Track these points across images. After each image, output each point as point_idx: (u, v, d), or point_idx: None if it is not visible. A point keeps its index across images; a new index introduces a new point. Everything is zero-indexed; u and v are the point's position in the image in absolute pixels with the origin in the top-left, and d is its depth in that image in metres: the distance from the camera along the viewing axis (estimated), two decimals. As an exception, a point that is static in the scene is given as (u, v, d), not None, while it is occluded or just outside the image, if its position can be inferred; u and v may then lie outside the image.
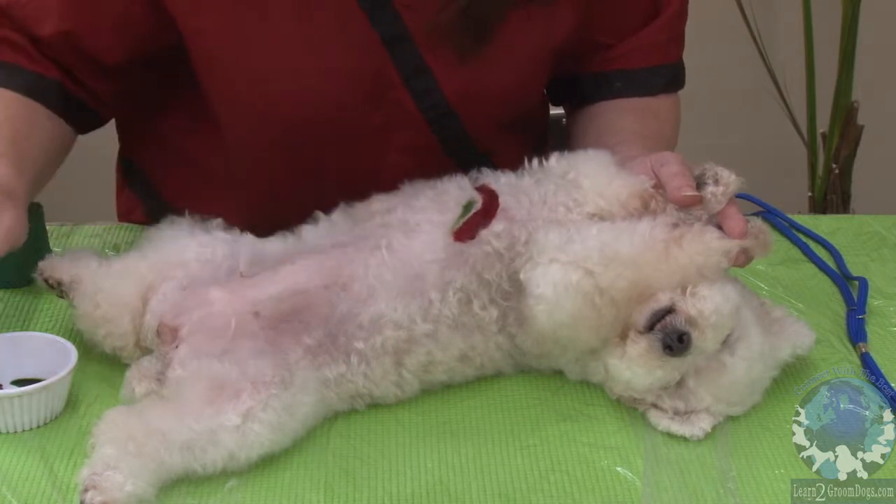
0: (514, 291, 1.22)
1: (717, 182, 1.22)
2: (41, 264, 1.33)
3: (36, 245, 1.41)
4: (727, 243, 1.19)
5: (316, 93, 1.21)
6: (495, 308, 1.22)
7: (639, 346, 1.17)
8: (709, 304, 1.16)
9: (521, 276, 1.20)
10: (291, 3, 1.33)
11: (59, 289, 1.32)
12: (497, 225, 1.22)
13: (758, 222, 1.23)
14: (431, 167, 1.30)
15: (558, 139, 1.63)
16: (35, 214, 1.43)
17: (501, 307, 1.23)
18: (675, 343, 1.15)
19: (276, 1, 1.33)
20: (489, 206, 1.21)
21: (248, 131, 1.27)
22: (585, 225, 1.21)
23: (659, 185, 1.24)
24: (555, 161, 1.29)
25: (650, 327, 1.17)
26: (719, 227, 1.21)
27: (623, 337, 1.19)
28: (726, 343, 1.19)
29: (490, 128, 1.48)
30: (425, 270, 1.22)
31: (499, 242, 1.22)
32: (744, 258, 1.21)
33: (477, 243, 1.21)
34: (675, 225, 1.20)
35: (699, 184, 1.23)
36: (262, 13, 1.33)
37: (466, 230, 1.20)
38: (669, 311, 1.17)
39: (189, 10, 1.33)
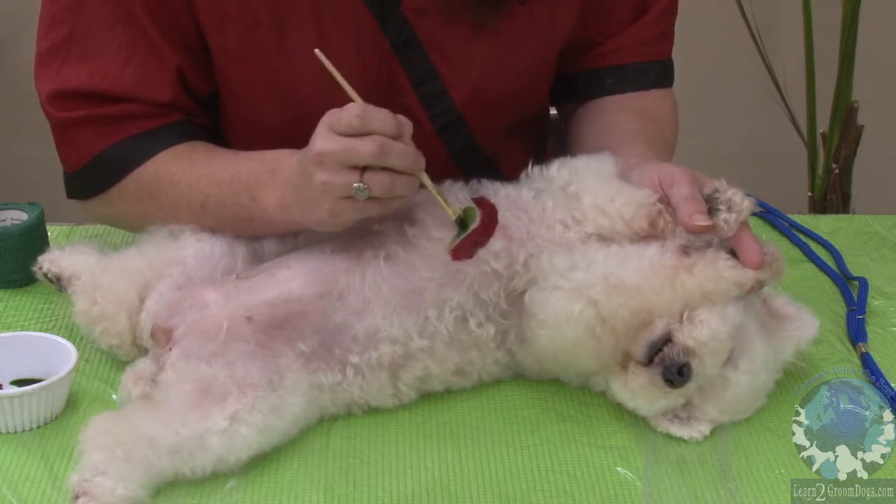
0: (513, 310, 1.22)
1: (729, 209, 1.18)
2: (40, 258, 1.33)
3: (36, 245, 1.41)
4: (741, 274, 1.17)
5: (333, 105, 1.22)
6: (492, 326, 1.22)
7: (640, 379, 1.16)
8: (706, 330, 1.15)
9: (526, 297, 1.20)
10: (308, 18, 1.33)
11: (57, 283, 1.32)
12: (496, 244, 1.20)
13: (771, 247, 1.21)
14: (440, 177, 1.30)
15: (558, 139, 1.63)
16: (35, 214, 1.43)
17: (500, 325, 1.22)
18: (676, 377, 1.14)
19: (293, 17, 1.33)
20: (488, 224, 1.20)
21: (269, 148, 1.28)
22: (592, 249, 1.20)
23: (665, 201, 1.21)
24: (556, 170, 1.27)
25: (649, 359, 1.16)
26: (731, 251, 1.19)
27: (624, 366, 1.18)
28: (729, 359, 1.18)
29: (497, 132, 1.48)
30: (422, 287, 1.21)
31: (497, 262, 1.21)
32: (758, 287, 1.19)
33: (475, 262, 1.20)
34: (686, 249, 1.18)
35: (711, 209, 1.19)
36: (280, 30, 1.33)
37: (464, 249, 1.18)
38: (667, 340, 1.15)
39: (215, 27, 1.34)
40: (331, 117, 1.16)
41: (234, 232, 1.29)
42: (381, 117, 1.15)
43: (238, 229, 1.29)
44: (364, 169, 1.15)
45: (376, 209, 1.18)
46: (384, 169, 1.15)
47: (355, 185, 1.15)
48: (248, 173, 1.28)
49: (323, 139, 1.16)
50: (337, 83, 1.18)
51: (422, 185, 1.19)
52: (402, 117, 1.17)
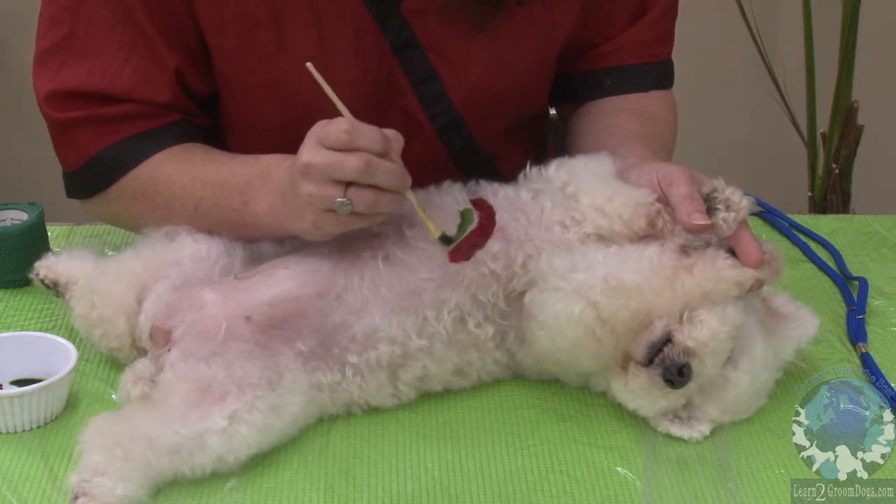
0: (512, 311, 1.22)
1: (728, 208, 1.18)
2: (37, 264, 1.33)
3: (36, 245, 1.41)
4: (741, 273, 1.17)
5: (332, 107, 1.23)
6: (491, 326, 1.22)
7: (640, 379, 1.16)
8: (705, 330, 1.14)
9: (525, 299, 1.19)
10: (307, 19, 1.33)
11: (55, 289, 1.32)
12: (494, 245, 1.20)
13: (770, 246, 1.21)
14: (440, 178, 1.30)
15: (558, 140, 1.63)
16: (35, 214, 1.43)
17: (499, 326, 1.22)
18: (676, 377, 1.14)
19: (293, 19, 1.33)
20: (486, 225, 1.19)
21: (269, 150, 1.28)
22: (591, 251, 1.20)
23: (663, 200, 1.21)
24: (554, 170, 1.27)
25: (649, 360, 1.16)
26: (730, 250, 1.19)
27: (624, 367, 1.18)
28: (729, 359, 1.18)
29: (496, 133, 1.47)
30: (421, 288, 1.21)
31: (495, 264, 1.21)
32: (757, 286, 1.19)
33: (473, 264, 1.20)
34: (685, 249, 1.18)
35: (709, 208, 1.19)
36: (279, 31, 1.33)
37: (462, 251, 1.18)
38: (666, 340, 1.15)
39: (214, 28, 1.34)
40: (320, 129, 1.16)
41: (227, 234, 1.29)
42: (369, 134, 1.15)
43: (231, 232, 1.29)
44: (349, 184, 1.15)
45: (359, 223, 1.18)
46: (370, 185, 1.15)
47: (338, 199, 1.15)
48: (242, 177, 1.28)
49: (310, 151, 1.16)
50: (328, 96, 1.18)
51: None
52: (391, 132, 1.17)
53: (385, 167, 1.15)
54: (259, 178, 1.26)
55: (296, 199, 1.18)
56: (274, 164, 1.26)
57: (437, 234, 1.17)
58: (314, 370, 1.19)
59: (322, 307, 1.20)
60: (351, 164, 1.14)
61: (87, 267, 1.30)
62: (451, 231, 1.18)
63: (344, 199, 1.15)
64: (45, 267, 1.33)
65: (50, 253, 1.35)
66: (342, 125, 1.15)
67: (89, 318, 1.26)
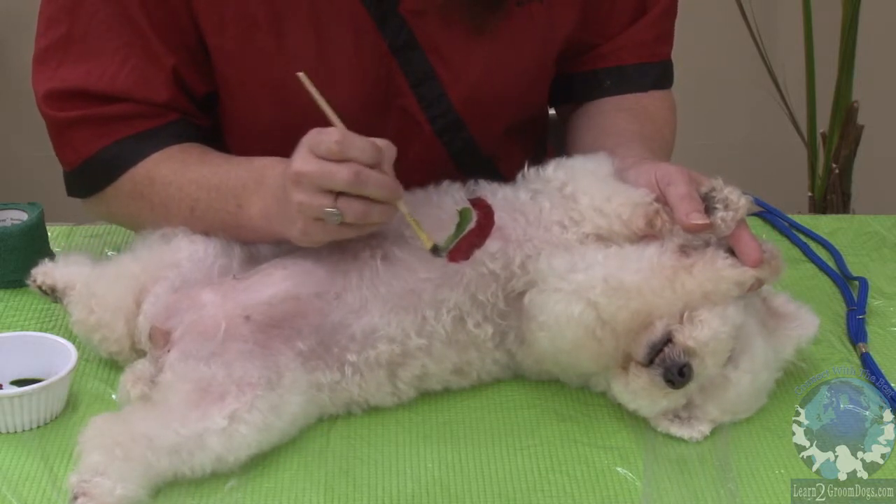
0: (511, 311, 1.22)
1: (726, 207, 1.18)
2: (34, 271, 1.33)
3: (36, 245, 1.41)
4: (741, 273, 1.17)
5: (332, 105, 1.23)
6: (490, 326, 1.22)
7: (641, 380, 1.16)
8: (706, 330, 1.14)
9: (525, 299, 1.20)
10: (307, 20, 1.33)
11: (52, 295, 1.32)
12: (492, 245, 1.20)
13: (769, 245, 1.21)
14: (439, 179, 1.29)
15: (558, 141, 1.63)
16: (35, 214, 1.43)
17: (498, 326, 1.22)
18: (677, 377, 1.14)
19: (292, 19, 1.33)
20: (485, 225, 1.19)
21: (269, 151, 1.28)
22: (591, 251, 1.20)
23: (662, 200, 1.21)
24: (552, 171, 1.27)
25: (650, 360, 1.16)
26: (730, 250, 1.19)
27: (625, 367, 1.18)
28: (729, 358, 1.18)
29: (496, 133, 1.47)
30: (420, 288, 1.21)
31: (493, 263, 1.21)
32: (757, 286, 1.19)
33: (472, 264, 1.19)
34: (684, 249, 1.18)
35: (708, 207, 1.19)
36: (278, 32, 1.33)
37: (461, 250, 1.18)
38: (667, 340, 1.15)
39: (214, 29, 1.34)
40: (312, 138, 1.16)
41: (223, 236, 1.29)
42: (360, 145, 1.15)
43: (227, 234, 1.29)
44: (339, 194, 1.15)
45: (348, 234, 1.18)
46: (360, 196, 1.15)
47: (327, 209, 1.15)
48: (237, 180, 1.28)
49: (301, 159, 1.16)
50: (321, 107, 1.18)
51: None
52: (383, 142, 1.17)
53: (375, 178, 1.15)
54: (254, 181, 1.26)
55: (287, 205, 1.18)
56: (269, 168, 1.26)
57: (429, 246, 1.17)
58: (314, 369, 1.19)
59: (321, 307, 1.20)
60: (341, 175, 1.14)
61: (85, 272, 1.30)
62: (443, 240, 1.18)
63: (333, 210, 1.15)
64: (43, 273, 1.32)
65: (46, 259, 1.35)
66: (333, 135, 1.15)
67: (88, 322, 1.26)
